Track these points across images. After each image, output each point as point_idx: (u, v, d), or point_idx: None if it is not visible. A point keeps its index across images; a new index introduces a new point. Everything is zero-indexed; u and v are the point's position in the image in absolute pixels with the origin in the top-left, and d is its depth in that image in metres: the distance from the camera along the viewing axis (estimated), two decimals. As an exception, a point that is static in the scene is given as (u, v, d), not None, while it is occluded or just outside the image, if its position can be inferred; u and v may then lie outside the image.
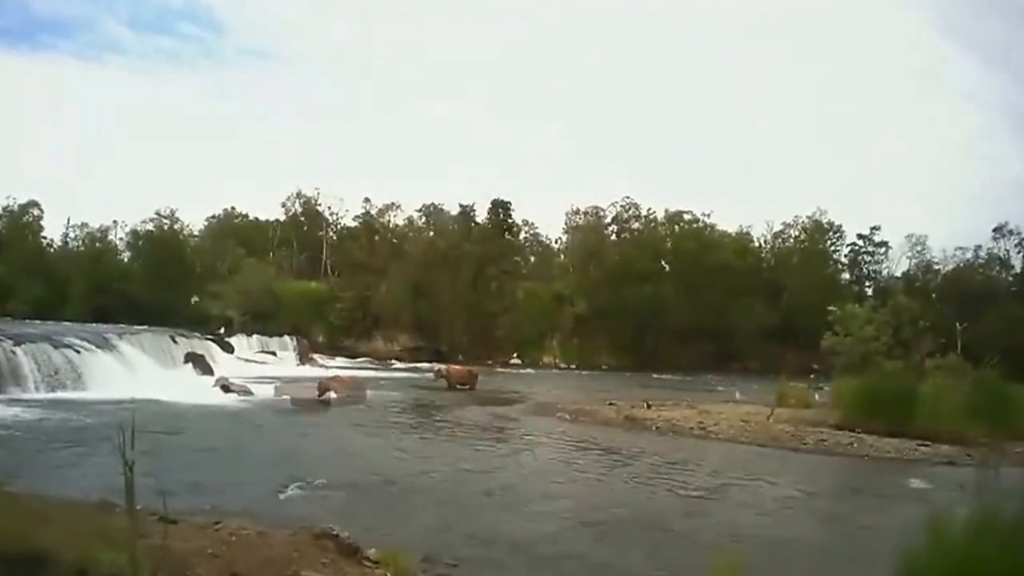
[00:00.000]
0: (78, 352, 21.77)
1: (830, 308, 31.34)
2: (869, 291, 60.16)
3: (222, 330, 42.53)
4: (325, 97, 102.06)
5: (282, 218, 65.23)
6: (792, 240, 63.76)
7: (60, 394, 19.29)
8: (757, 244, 64.87)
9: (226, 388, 23.15)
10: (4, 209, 59.66)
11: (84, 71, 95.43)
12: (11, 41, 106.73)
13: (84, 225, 63.07)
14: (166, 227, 61.37)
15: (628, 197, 61.76)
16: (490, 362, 47.47)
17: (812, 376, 27.36)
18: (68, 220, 63.37)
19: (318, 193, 64.91)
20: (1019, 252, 58.57)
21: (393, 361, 48.03)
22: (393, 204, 62.98)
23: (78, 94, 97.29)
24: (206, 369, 28.24)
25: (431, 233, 60.13)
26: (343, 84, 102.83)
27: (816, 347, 33.09)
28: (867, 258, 62.63)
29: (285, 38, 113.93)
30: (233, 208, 65.56)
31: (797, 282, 58.48)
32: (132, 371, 23.22)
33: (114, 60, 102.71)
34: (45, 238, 61.91)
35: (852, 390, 20.83)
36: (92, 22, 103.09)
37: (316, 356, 45.26)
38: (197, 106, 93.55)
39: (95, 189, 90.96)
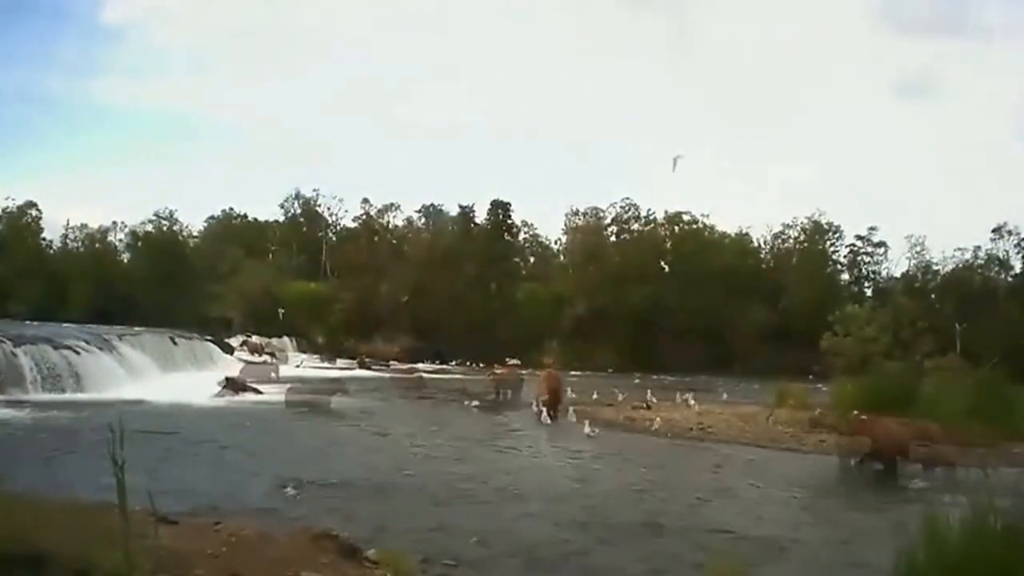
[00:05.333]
0: (77, 353, 21.80)
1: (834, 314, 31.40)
2: (868, 292, 60.25)
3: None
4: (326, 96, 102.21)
5: (281, 219, 65.28)
6: (791, 241, 63.82)
7: (59, 395, 19.31)
8: (756, 245, 64.99)
9: (233, 387, 23.10)
10: (3, 210, 59.76)
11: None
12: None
13: (84, 226, 63.22)
14: (165, 228, 61.42)
15: (627, 198, 61.84)
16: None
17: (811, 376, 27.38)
18: (68, 221, 63.52)
19: (317, 194, 64.97)
20: (1018, 252, 58.55)
21: (392, 362, 47.84)
22: (392, 204, 63.02)
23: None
24: (205, 370, 28.26)
25: (430, 234, 60.18)
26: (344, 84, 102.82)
27: (815, 348, 33.11)
28: (866, 259, 62.70)
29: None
30: (232, 209, 65.74)
31: (796, 283, 58.50)
32: (131, 372, 23.28)
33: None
34: (45, 239, 62.02)
35: (852, 391, 20.80)
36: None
37: (314, 356, 45.30)
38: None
39: (95, 189, 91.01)
